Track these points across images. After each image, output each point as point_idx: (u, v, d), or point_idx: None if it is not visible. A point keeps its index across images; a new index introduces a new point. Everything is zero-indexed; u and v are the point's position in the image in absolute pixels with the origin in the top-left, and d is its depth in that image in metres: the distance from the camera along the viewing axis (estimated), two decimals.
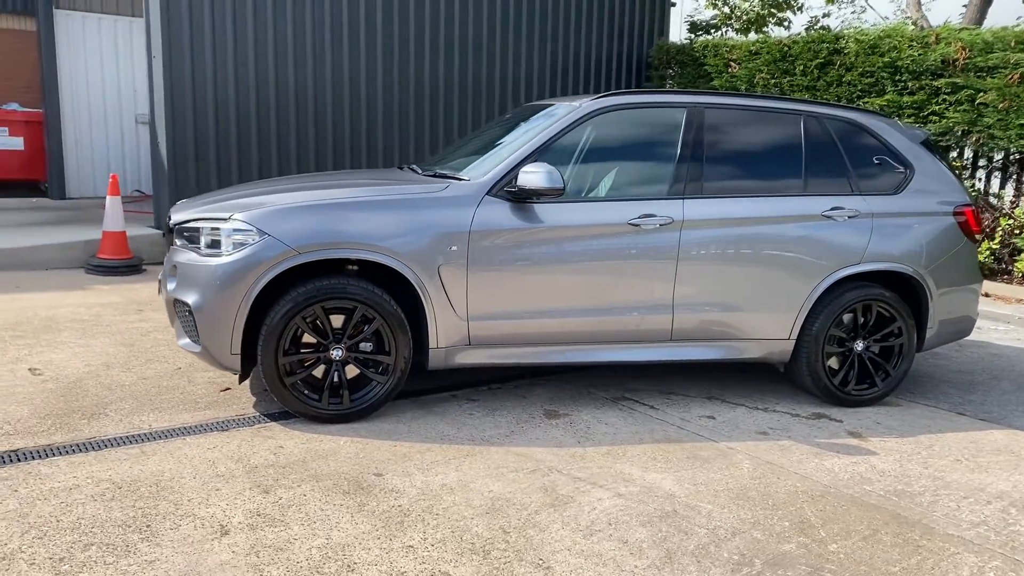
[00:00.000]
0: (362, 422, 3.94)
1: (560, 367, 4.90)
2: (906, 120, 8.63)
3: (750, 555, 2.88)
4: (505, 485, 3.33)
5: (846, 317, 4.55)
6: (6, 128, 12.33)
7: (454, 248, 3.92)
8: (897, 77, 8.72)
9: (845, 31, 9.21)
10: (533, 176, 3.89)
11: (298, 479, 3.27)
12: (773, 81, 9.68)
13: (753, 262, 4.34)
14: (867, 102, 8.86)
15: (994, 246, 8.23)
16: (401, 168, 4.96)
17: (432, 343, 4.00)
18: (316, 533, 2.85)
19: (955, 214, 4.72)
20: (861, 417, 4.45)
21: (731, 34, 14.37)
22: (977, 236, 4.87)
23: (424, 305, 3.92)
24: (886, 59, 8.70)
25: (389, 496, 3.17)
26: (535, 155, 4.10)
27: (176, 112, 7.87)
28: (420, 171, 4.66)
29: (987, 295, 8.23)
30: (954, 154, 8.90)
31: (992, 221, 8.37)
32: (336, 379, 3.91)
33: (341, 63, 8.91)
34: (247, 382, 4.36)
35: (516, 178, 3.97)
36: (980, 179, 9.06)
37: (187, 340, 3.92)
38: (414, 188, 4.05)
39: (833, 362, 4.60)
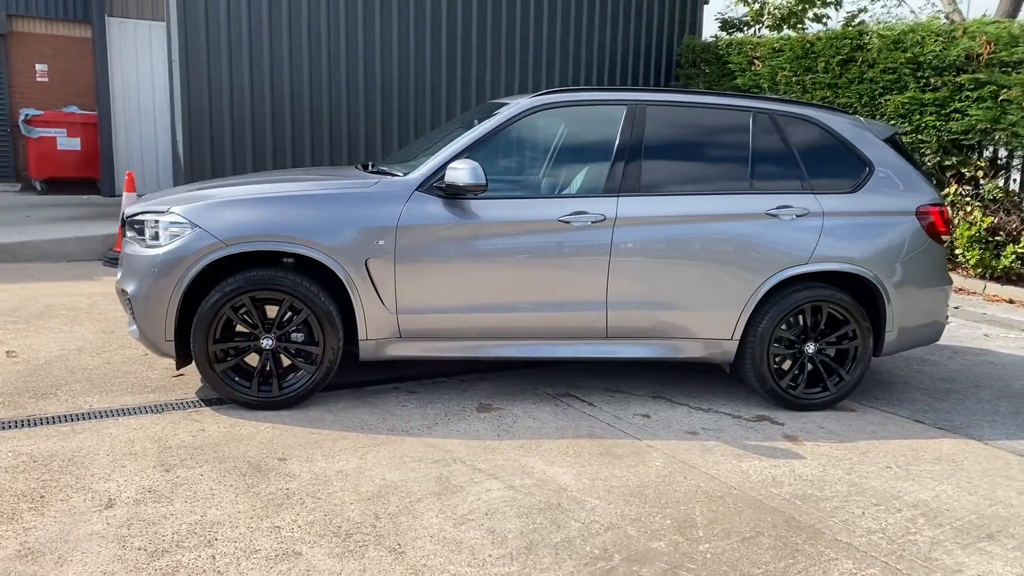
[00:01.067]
0: (292, 410, 4.07)
1: (509, 362, 4.93)
2: (928, 118, 8.29)
3: (613, 550, 2.87)
4: (402, 473, 3.41)
5: (795, 318, 4.44)
6: (64, 129, 13.11)
7: (381, 242, 4.01)
8: (919, 73, 8.37)
9: (870, 27, 8.90)
10: (458, 172, 3.96)
11: (204, 460, 3.43)
12: (795, 79, 9.43)
13: (691, 261, 4.29)
14: (888, 99, 8.54)
15: (1020, 250, 7.81)
16: (356, 167, 5.08)
17: (362, 335, 4.10)
18: (194, 510, 2.98)
19: (918, 214, 4.54)
20: (806, 421, 4.33)
21: (764, 32, 14.01)
22: (945, 237, 4.67)
23: (352, 297, 4.03)
24: (908, 55, 8.36)
25: (282, 479, 3.29)
26: (467, 152, 4.16)
27: (193, 114, 8.24)
28: (367, 168, 4.77)
29: (1011, 301, 7.84)
30: (988, 153, 8.50)
31: (1019, 224, 7.95)
32: (268, 367, 4.06)
33: (356, 68, 9.14)
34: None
35: (445, 174, 4.04)
36: (1015, 180, 8.62)
37: (134, 327, 4.13)
38: (346, 184, 4.17)
39: (787, 364, 4.50)
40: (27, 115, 13.00)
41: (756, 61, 9.92)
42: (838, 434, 4.16)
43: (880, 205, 4.50)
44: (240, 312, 3.99)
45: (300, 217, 3.97)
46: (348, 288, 4.01)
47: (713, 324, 4.36)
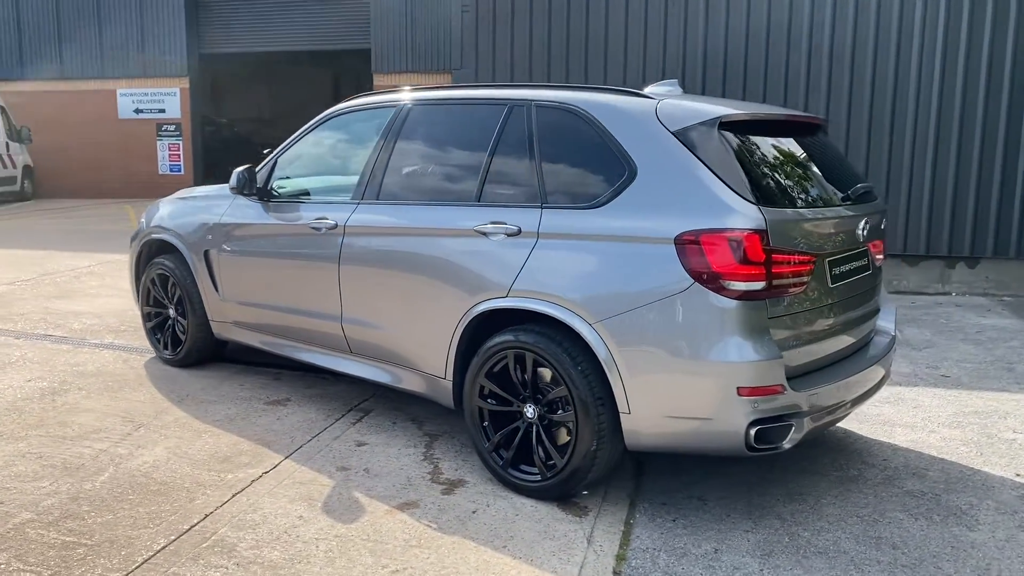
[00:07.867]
0: (179, 368, 5.09)
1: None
2: None
3: None
4: (93, 418, 4.19)
5: (519, 369, 3.36)
6: None
7: (210, 237, 4.75)
8: None
9: None
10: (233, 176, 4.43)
11: (56, 376, 4.83)
12: None
13: (400, 278, 3.79)
14: None
15: None
16: None
17: (209, 316, 4.89)
18: None
19: (680, 243, 2.94)
20: (484, 502, 3.34)
21: None
22: (738, 284, 2.84)
23: (196, 281, 4.86)
24: None
25: (47, 400, 4.45)
26: (275, 156, 4.52)
27: None
28: None
29: None
30: None
31: None
32: (174, 332, 5.20)
33: None
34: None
35: None
36: None
37: None
38: (214, 187, 5.03)
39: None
40: None
41: None
42: (462, 524, 3.16)
43: (621, 227, 3.11)
44: (156, 286, 5.22)
45: (176, 214, 5.03)
46: (193, 273, 4.86)
47: (424, 357, 3.73)
